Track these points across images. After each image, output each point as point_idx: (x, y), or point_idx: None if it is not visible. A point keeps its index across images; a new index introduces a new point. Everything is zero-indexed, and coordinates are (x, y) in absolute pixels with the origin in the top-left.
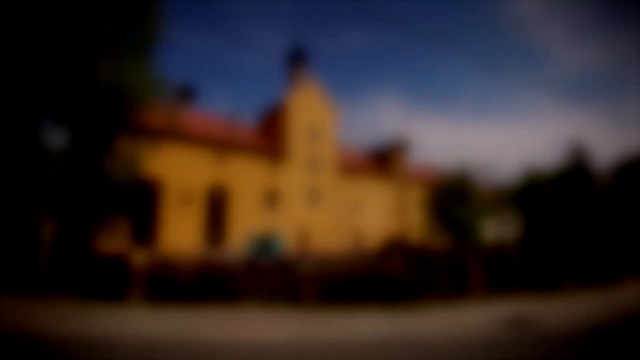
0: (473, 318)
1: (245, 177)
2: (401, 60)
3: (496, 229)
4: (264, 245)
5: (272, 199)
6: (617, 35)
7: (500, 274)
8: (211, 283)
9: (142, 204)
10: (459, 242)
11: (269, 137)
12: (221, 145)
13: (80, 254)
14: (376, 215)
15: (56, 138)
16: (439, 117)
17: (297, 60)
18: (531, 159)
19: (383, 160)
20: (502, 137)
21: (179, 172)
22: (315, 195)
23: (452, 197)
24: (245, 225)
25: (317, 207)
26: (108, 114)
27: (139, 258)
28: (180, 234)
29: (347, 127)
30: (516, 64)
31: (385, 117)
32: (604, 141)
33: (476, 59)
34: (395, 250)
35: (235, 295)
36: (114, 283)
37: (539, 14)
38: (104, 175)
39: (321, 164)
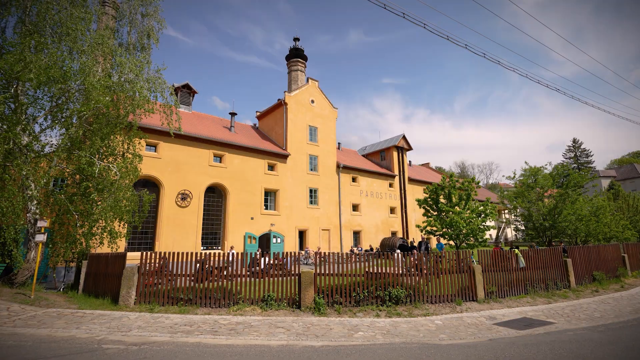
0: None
1: (244, 177)
2: (401, 59)
3: (495, 230)
4: (264, 245)
5: (271, 198)
6: (616, 36)
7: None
8: (208, 284)
9: (140, 203)
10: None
11: (269, 136)
12: (220, 144)
13: (74, 253)
14: (376, 215)
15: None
16: (439, 116)
17: (296, 58)
18: (530, 159)
19: (383, 159)
20: (501, 137)
21: (177, 172)
22: (315, 195)
23: (456, 198)
24: (244, 226)
25: (317, 206)
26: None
27: (136, 258)
28: (179, 234)
29: (345, 127)
30: (515, 63)
31: (385, 117)
32: (603, 141)
33: (475, 58)
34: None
35: (233, 297)
36: (108, 284)
37: (539, 13)
38: (100, 174)
39: (320, 163)
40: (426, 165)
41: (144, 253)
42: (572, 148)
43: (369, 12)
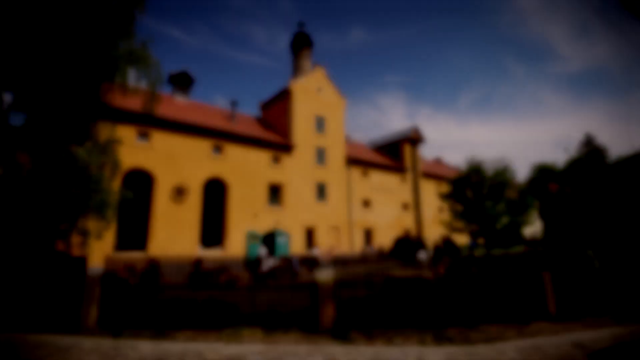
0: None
1: (246, 170)
2: (404, 56)
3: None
4: (268, 245)
5: (276, 194)
6: (622, 30)
7: None
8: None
9: (127, 199)
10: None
11: (273, 127)
12: (220, 135)
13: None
14: (388, 211)
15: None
16: (443, 114)
17: (301, 45)
18: (538, 155)
19: (394, 153)
20: (507, 134)
21: (173, 164)
22: (323, 190)
23: (486, 190)
24: (247, 223)
25: (325, 202)
26: (80, 91)
27: (100, 264)
28: (174, 232)
29: (349, 125)
30: (521, 59)
31: (389, 115)
32: (611, 137)
33: (480, 54)
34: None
35: (231, 317)
36: (64, 300)
37: (543, 8)
38: (76, 166)
39: (329, 156)
40: (438, 160)
41: (111, 258)
42: (586, 143)
43: (371, 11)
